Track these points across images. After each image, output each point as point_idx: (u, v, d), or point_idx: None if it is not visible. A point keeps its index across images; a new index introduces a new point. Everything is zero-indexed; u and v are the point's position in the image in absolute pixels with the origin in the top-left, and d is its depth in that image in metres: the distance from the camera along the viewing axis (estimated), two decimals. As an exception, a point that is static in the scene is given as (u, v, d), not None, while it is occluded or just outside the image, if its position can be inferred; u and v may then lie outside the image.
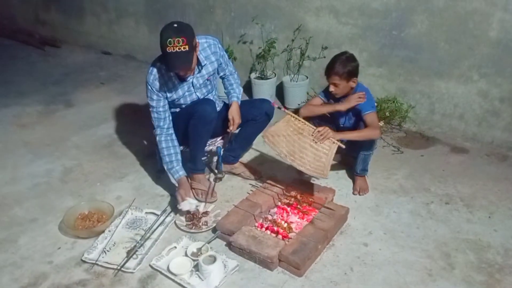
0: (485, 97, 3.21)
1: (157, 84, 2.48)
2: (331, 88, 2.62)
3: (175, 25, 2.29)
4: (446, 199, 2.71)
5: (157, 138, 2.60)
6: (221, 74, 2.77)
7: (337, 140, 2.51)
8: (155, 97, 2.51)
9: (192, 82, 2.57)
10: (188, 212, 2.51)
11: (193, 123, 2.54)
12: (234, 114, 2.69)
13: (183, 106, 2.66)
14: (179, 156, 2.62)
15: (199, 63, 2.51)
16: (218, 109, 2.77)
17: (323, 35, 3.74)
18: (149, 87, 2.50)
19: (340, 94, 2.65)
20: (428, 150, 3.27)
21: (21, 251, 2.37)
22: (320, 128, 2.52)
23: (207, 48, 2.57)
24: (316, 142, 2.51)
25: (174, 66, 2.35)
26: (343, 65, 2.55)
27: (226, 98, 2.84)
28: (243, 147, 3.02)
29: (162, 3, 4.75)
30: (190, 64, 2.36)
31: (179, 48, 2.24)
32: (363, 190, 2.76)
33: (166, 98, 2.55)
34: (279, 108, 2.88)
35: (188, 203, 2.48)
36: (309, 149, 2.52)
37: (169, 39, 2.23)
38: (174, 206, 2.61)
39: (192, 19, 4.50)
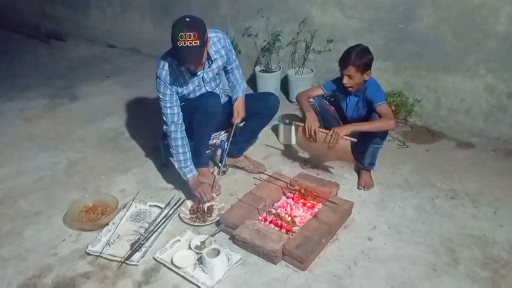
0: (492, 92, 3.18)
1: (169, 79, 2.46)
2: (345, 80, 2.60)
3: (187, 19, 2.27)
4: (452, 194, 2.69)
5: (172, 135, 2.54)
6: (228, 68, 2.76)
7: (350, 134, 2.54)
8: (168, 91, 2.48)
9: (202, 77, 2.56)
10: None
11: (197, 117, 2.54)
12: (240, 107, 2.69)
13: (189, 99, 2.66)
14: (190, 154, 2.60)
15: (209, 57, 2.49)
16: (222, 101, 2.76)
17: (329, 28, 3.71)
18: (162, 82, 2.46)
19: (352, 87, 2.64)
20: (433, 145, 3.25)
21: (26, 243, 2.38)
22: (330, 133, 2.54)
23: (217, 42, 2.56)
24: (331, 146, 2.56)
25: (185, 61, 2.34)
26: (360, 56, 2.53)
27: (230, 91, 2.83)
28: (248, 140, 3.01)
29: (167, -3, 4.74)
30: (201, 59, 2.35)
31: (190, 43, 2.22)
32: (368, 186, 2.75)
33: (177, 93, 2.53)
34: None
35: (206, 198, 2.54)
36: (327, 151, 2.61)
37: (181, 33, 2.21)
38: (178, 199, 2.62)
39: (197, 12, 4.47)
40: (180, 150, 2.55)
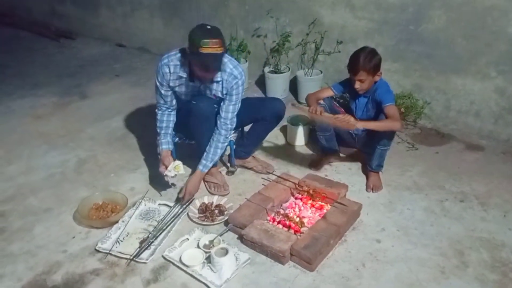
0: (502, 94, 3.16)
1: (166, 69, 2.49)
2: (357, 85, 2.59)
3: (208, 27, 2.28)
4: (461, 197, 2.68)
5: (156, 111, 2.67)
6: (218, 117, 2.59)
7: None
8: (159, 79, 2.53)
9: (199, 87, 2.55)
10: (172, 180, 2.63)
11: (192, 121, 2.55)
12: (190, 185, 2.59)
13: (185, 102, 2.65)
14: (169, 130, 2.65)
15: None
16: None
17: (338, 30, 3.71)
18: (159, 67, 2.51)
19: (365, 90, 2.63)
20: (443, 147, 3.23)
21: (36, 240, 2.41)
22: (341, 116, 2.51)
23: (229, 75, 2.49)
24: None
25: (208, 67, 2.32)
26: (369, 60, 2.52)
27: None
28: (255, 143, 3.00)
29: (177, -4, 4.75)
30: (221, 66, 2.38)
31: (215, 50, 2.23)
32: (377, 188, 2.74)
33: (169, 86, 2.55)
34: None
35: (169, 177, 2.59)
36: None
37: (205, 40, 2.20)
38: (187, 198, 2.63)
39: (206, 12, 4.50)
40: (157, 124, 2.68)
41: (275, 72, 3.99)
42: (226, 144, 2.68)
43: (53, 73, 4.80)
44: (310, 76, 3.86)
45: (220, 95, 2.57)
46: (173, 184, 2.75)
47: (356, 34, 3.63)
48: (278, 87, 3.95)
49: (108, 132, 3.55)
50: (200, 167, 2.62)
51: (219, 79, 2.50)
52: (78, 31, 5.99)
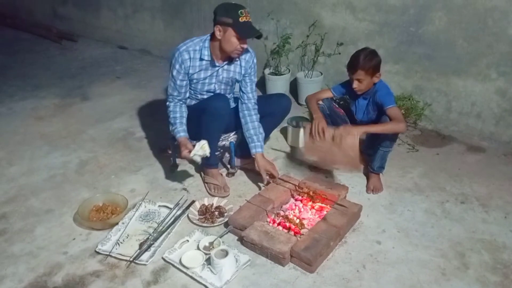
0: (504, 96, 3.16)
1: (186, 56, 2.52)
2: (355, 85, 2.60)
3: (231, 2, 2.42)
4: (462, 199, 2.67)
5: (167, 104, 2.65)
6: (243, 97, 2.71)
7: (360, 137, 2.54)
8: (177, 67, 2.54)
9: (217, 70, 2.59)
10: (202, 158, 2.51)
11: (204, 119, 2.56)
12: (265, 165, 2.66)
13: (198, 96, 2.68)
14: (184, 120, 2.63)
15: (230, 56, 2.55)
16: (233, 104, 2.78)
17: (339, 31, 3.71)
18: (176, 55, 2.53)
19: (363, 90, 2.64)
20: (444, 148, 3.23)
21: (37, 241, 2.40)
22: (340, 129, 2.53)
23: (244, 53, 2.58)
24: (338, 143, 2.53)
25: (249, 33, 2.43)
26: (369, 60, 2.53)
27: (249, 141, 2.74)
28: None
29: (178, -2, 4.76)
30: None
31: (249, 18, 2.39)
32: (377, 190, 2.74)
33: (187, 74, 2.57)
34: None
35: (197, 156, 2.47)
36: (335, 149, 2.56)
37: (240, 10, 2.35)
38: (187, 199, 2.63)
39: (207, 14, 4.49)
40: (171, 115, 2.63)
41: (276, 74, 4.00)
42: None
43: (54, 75, 4.81)
44: (310, 78, 3.87)
45: (237, 77, 2.66)
46: (184, 189, 2.74)
47: (356, 35, 3.64)
48: (278, 88, 3.94)
49: (109, 133, 3.56)
50: (258, 149, 2.67)
51: (236, 60, 2.60)
52: (79, 33, 6.01)
